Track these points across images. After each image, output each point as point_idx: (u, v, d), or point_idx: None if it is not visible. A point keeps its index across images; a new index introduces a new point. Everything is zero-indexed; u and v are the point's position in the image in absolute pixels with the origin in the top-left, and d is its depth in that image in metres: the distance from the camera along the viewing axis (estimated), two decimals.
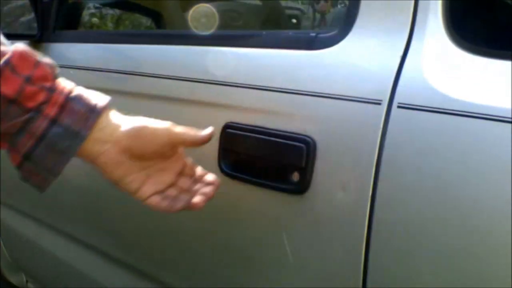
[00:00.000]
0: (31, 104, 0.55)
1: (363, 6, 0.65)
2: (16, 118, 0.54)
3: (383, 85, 0.59)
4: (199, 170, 0.68)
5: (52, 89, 0.57)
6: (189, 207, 0.64)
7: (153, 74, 0.87)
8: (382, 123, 0.58)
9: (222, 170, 0.75)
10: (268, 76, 0.72)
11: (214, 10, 1.35)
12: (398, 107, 0.57)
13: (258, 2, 2.09)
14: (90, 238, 1.14)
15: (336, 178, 0.63)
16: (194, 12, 1.41)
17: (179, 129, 0.63)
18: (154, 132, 0.62)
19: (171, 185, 0.65)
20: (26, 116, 0.55)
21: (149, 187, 0.63)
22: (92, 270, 1.16)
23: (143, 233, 0.96)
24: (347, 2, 0.79)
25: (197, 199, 0.65)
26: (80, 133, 0.58)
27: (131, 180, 0.62)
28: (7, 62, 0.53)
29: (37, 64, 0.56)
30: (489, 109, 0.51)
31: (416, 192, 0.56)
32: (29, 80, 0.55)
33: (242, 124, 0.73)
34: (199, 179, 0.67)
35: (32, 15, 1.20)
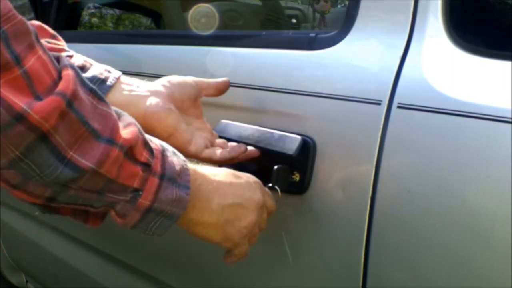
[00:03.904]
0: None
1: (363, 7, 0.65)
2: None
3: (383, 85, 0.59)
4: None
5: (71, 52, 0.56)
6: (241, 150, 0.65)
7: (153, 74, 0.87)
8: (382, 123, 0.58)
9: None
10: (268, 76, 0.72)
11: (214, 10, 1.35)
12: (398, 107, 0.57)
13: (258, 2, 2.09)
14: (90, 239, 1.14)
15: (336, 178, 0.63)
16: (194, 12, 1.41)
17: (204, 79, 0.67)
18: (182, 78, 0.66)
19: (212, 144, 0.67)
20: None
21: (200, 139, 0.65)
22: (92, 270, 1.16)
23: (142, 233, 0.96)
24: (347, 2, 0.79)
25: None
26: (107, 81, 0.59)
27: (185, 128, 0.63)
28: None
29: (54, 36, 0.56)
30: (489, 109, 0.51)
31: (416, 192, 0.56)
32: (49, 42, 0.56)
33: (242, 124, 0.73)
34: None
35: (32, 15, 1.20)
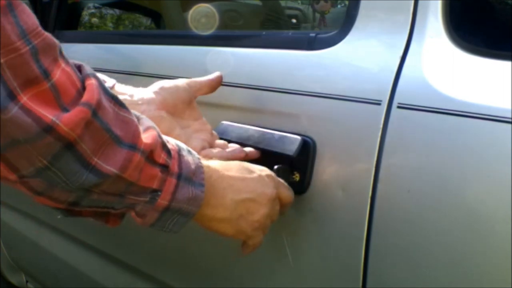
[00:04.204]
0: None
1: (363, 7, 0.65)
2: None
3: (383, 85, 0.59)
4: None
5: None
6: (240, 156, 0.66)
7: (153, 74, 0.87)
8: (382, 123, 0.58)
9: None
10: (268, 76, 0.72)
11: (214, 10, 1.35)
12: (398, 107, 0.57)
13: (258, 2, 2.09)
14: (90, 239, 1.14)
15: (336, 178, 0.63)
16: (194, 12, 1.41)
17: (197, 78, 0.68)
18: (174, 83, 0.67)
19: (211, 145, 0.68)
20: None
21: (196, 141, 0.66)
22: (92, 270, 1.16)
23: (143, 233, 0.96)
24: (347, 2, 0.79)
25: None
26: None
27: (178, 133, 0.64)
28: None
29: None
30: (489, 109, 0.51)
31: (416, 192, 0.56)
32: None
33: (242, 124, 0.73)
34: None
35: None
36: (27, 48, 0.39)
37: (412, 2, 0.60)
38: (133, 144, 0.46)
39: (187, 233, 0.86)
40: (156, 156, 0.49)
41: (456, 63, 0.57)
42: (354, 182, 0.61)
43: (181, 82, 0.68)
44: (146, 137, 0.48)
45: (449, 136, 0.54)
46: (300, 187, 0.66)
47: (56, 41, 0.42)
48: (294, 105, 0.68)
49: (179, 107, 0.67)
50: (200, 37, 0.89)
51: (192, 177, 0.52)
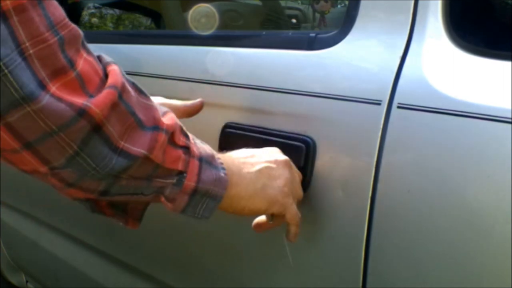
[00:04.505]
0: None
1: (363, 7, 0.65)
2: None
3: (383, 86, 0.59)
4: None
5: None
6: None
7: (153, 74, 0.87)
8: (382, 123, 0.58)
9: None
10: (268, 76, 0.72)
11: (214, 10, 1.35)
12: (398, 107, 0.58)
13: (258, 2, 2.09)
14: (90, 238, 1.14)
15: (336, 178, 0.63)
16: (194, 12, 1.41)
17: (173, 100, 0.67)
18: None
19: None
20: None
21: None
22: (92, 270, 1.16)
23: (143, 233, 0.96)
24: (347, 2, 0.79)
25: None
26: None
27: None
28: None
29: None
30: (489, 109, 0.51)
31: (416, 192, 0.56)
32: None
33: (242, 124, 0.73)
34: None
35: None
36: (55, 39, 0.40)
37: (412, 2, 0.60)
38: (156, 126, 0.47)
39: (187, 233, 0.87)
40: (177, 139, 0.50)
41: (456, 63, 0.57)
42: (354, 182, 0.61)
43: (156, 99, 0.65)
44: (167, 119, 0.49)
45: (449, 136, 0.54)
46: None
47: (81, 32, 0.44)
48: (294, 105, 0.68)
49: None
50: (200, 37, 0.89)
51: (212, 160, 0.54)
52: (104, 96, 0.42)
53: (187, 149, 0.51)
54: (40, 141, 0.40)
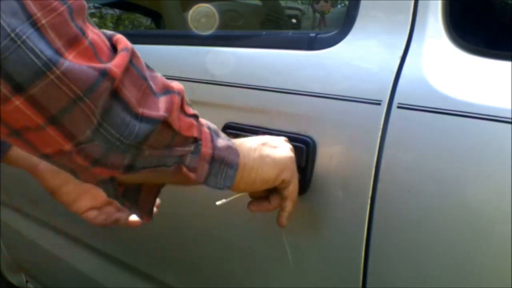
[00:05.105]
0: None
1: (363, 7, 0.65)
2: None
3: (383, 86, 0.59)
4: None
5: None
6: (127, 224, 0.70)
7: None
8: (382, 123, 0.58)
9: None
10: (268, 76, 0.72)
11: (214, 10, 1.35)
12: (398, 107, 0.58)
13: (258, 2, 2.09)
14: (90, 238, 1.14)
15: (336, 178, 0.63)
16: (194, 12, 1.41)
17: None
18: None
19: (109, 203, 0.70)
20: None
21: (86, 201, 0.68)
22: (92, 270, 1.16)
23: (143, 233, 0.96)
24: (347, 2, 0.79)
25: (135, 217, 0.71)
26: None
27: (68, 191, 0.67)
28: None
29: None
30: (489, 109, 0.51)
31: (416, 192, 0.56)
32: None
33: (242, 124, 0.73)
34: None
35: None
36: (64, 7, 0.39)
37: (412, 2, 0.60)
38: (168, 90, 0.48)
39: (187, 233, 0.87)
40: (186, 107, 0.51)
41: (456, 63, 0.57)
42: (354, 182, 0.61)
43: None
44: (175, 85, 0.50)
45: (449, 136, 0.54)
46: (300, 187, 0.66)
47: (85, 3, 0.43)
48: (294, 105, 0.68)
49: None
50: (200, 37, 0.89)
51: (217, 131, 0.55)
52: (120, 58, 0.42)
53: (196, 117, 0.52)
54: (64, 112, 0.40)
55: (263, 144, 0.59)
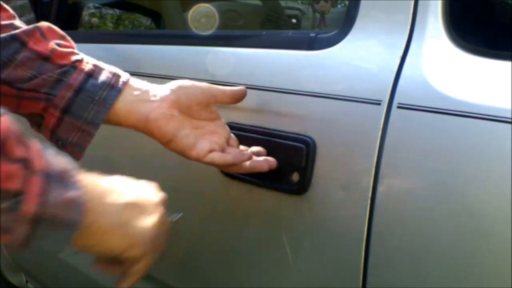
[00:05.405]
0: (64, 61, 0.57)
1: (363, 7, 0.65)
2: (52, 72, 0.55)
3: (383, 86, 0.59)
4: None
5: (80, 56, 0.59)
6: (253, 167, 0.65)
7: (153, 74, 0.87)
8: (382, 123, 0.58)
9: (222, 170, 0.75)
10: (268, 76, 0.72)
11: (214, 10, 1.35)
12: (398, 107, 0.58)
13: (258, 2, 2.09)
14: None
15: (336, 178, 0.63)
16: (194, 12, 1.41)
17: (218, 86, 0.66)
18: (194, 83, 0.65)
19: (223, 149, 0.65)
20: (63, 69, 0.56)
21: (205, 143, 0.63)
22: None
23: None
24: (347, 2, 0.79)
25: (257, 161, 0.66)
26: (116, 86, 0.59)
27: (186, 134, 0.62)
28: (37, 27, 0.56)
29: (63, 36, 0.59)
30: (489, 109, 0.51)
31: (416, 192, 0.56)
32: (59, 44, 0.58)
33: (242, 124, 0.73)
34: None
35: (32, 15, 1.20)
36: None
37: (412, 2, 0.60)
38: None
39: (187, 233, 0.87)
40: (9, 149, 0.39)
41: (456, 63, 0.57)
42: (354, 182, 0.61)
43: (202, 84, 0.65)
44: None
45: (449, 136, 0.54)
46: (300, 187, 0.66)
47: None
48: (294, 105, 0.68)
49: (194, 108, 0.65)
50: (200, 37, 0.89)
51: (64, 177, 0.43)
52: None
53: (25, 162, 0.40)
54: None
55: (131, 205, 0.50)
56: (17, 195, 0.39)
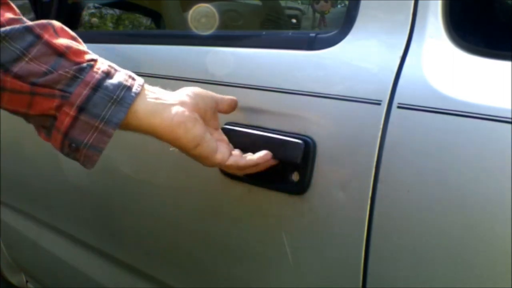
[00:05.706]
0: (80, 59, 0.57)
1: (363, 7, 0.65)
2: (68, 68, 0.55)
3: (383, 86, 0.59)
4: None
5: (95, 56, 0.60)
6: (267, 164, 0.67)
7: (153, 74, 0.87)
8: (382, 123, 0.58)
9: (222, 171, 0.75)
10: (268, 76, 0.72)
11: (214, 10, 1.35)
12: (398, 107, 0.58)
13: (258, 2, 2.09)
14: (90, 238, 1.14)
15: (336, 178, 0.63)
16: (194, 12, 1.41)
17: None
18: (203, 90, 0.67)
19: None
20: (80, 65, 0.56)
21: (224, 146, 0.66)
22: (92, 270, 1.16)
23: (143, 233, 0.96)
24: (347, 2, 0.79)
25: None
26: (133, 88, 0.59)
27: (210, 138, 0.63)
28: (50, 23, 0.56)
29: (74, 38, 0.60)
30: (489, 109, 0.51)
31: (416, 192, 0.56)
32: (74, 40, 0.59)
33: (242, 124, 0.73)
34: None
35: (32, 15, 1.20)
36: None
37: (412, 2, 0.60)
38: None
39: (187, 233, 0.87)
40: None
41: (456, 63, 0.57)
42: (354, 182, 0.61)
43: (209, 92, 0.68)
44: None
45: (449, 136, 0.54)
46: (300, 187, 0.66)
47: None
48: (294, 105, 0.68)
49: (208, 114, 0.66)
50: (200, 37, 0.89)
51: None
52: None
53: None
54: None
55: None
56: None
